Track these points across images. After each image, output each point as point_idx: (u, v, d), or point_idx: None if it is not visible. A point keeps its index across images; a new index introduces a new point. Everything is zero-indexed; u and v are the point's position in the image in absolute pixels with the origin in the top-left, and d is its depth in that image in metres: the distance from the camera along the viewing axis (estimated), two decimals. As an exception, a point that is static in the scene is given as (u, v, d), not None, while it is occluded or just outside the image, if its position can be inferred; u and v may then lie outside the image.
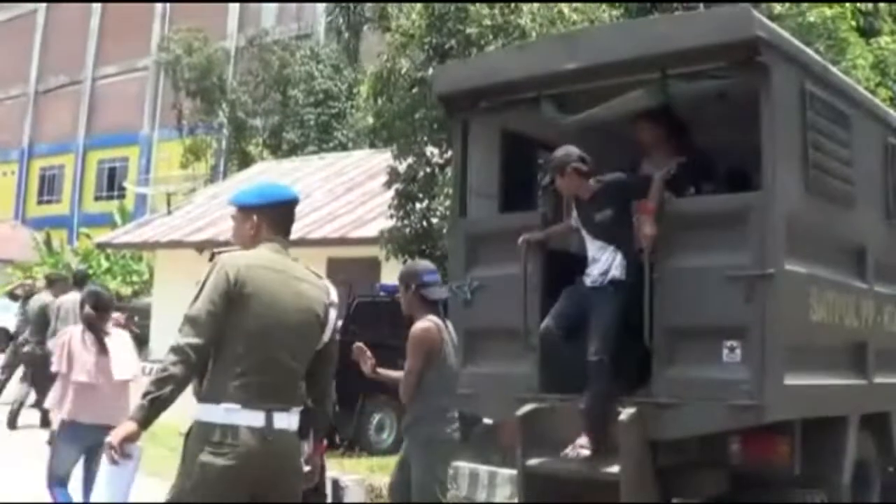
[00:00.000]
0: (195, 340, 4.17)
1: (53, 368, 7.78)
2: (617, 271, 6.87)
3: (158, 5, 50.12)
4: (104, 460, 4.26)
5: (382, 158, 17.70)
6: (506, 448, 8.00)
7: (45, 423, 12.31)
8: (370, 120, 14.53)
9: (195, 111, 36.79)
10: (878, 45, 16.12)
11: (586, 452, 6.64)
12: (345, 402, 11.52)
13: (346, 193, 23.47)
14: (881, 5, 17.32)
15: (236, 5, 46.82)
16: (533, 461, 6.96)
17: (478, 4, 12.61)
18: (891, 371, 7.93)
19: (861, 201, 7.58)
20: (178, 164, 38.14)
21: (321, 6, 39.19)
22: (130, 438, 4.12)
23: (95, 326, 7.76)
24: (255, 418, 4.21)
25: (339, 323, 13.63)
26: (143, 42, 48.25)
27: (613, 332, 6.76)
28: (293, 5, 43.99)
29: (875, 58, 15.57)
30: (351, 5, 32.05)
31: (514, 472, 7.49)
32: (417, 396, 6.69)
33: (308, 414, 4.56)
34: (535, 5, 12.60)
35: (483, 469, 9.71)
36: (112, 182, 50.51)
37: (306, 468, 5.05)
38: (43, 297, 14.54)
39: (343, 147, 31.91)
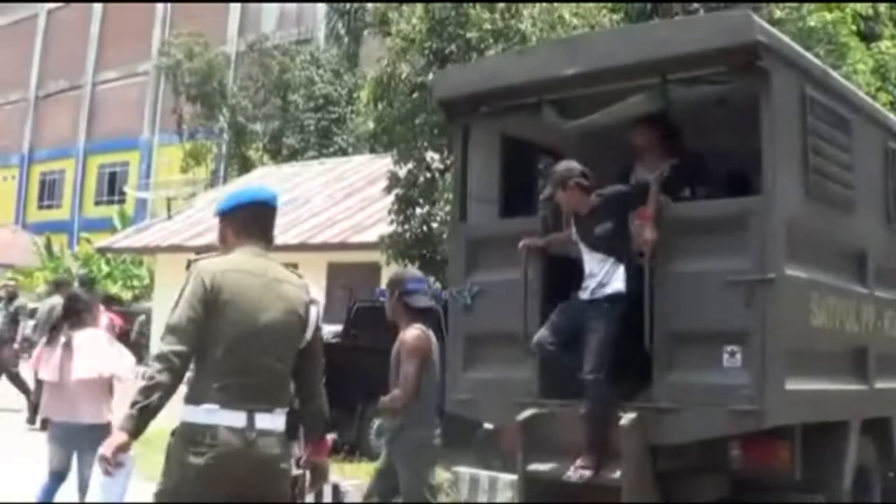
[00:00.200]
0: (178, 347, 4.24)
1: (29, 368, 8.02)
2: (618, 283, 6.86)
3: (159, 10, 50.15)
4: (97, 470, 4.32)
5: (383, 163, 17.68)
6: (506, 453, 7.98)
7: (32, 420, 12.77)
8: (370, 125, 14.52)
9: (195, 116, 36.80)
10: (878, 49, 16.12)
11: (588, 473, 6.65)
12: (345, 407, 11.50)
13: (347, 198, 23.46)
14: (881, 10, 17.32)
15: (237, 10, 46.86)
16: (533, 466, 6.96)
17: (478, 9, 12.60)
18: (892, 376, 7.92)
19: (861, 206, 7.58)
20: (179, 169, 38.13)
21: (321, 11, 39.21)
22: (122, 448, 4.18)
23: (60, 326, 8.03)
24: (236, 419, 4.24)
25: (340, 327, 13.58)
26: (143, 47, 48.28)
27: (610, 349, 6.76)
28: (293, 10, 44.02)
29: (875, 62, 15.57)
30: (351, 10, 32.07)
31: (514, 477, 7.47)
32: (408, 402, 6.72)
33: (296, 415, 4.55)
34: (536, 10, 12.59)
35: (484, 474, 9.68)
36: (112, 187, 50.53)
37: (297, 471, 5.07)
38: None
39: (343, 152, 31.91)
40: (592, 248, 7.03)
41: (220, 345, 4.30)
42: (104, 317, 9.52)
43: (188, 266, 4.61)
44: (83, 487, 7.52)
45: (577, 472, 6.67)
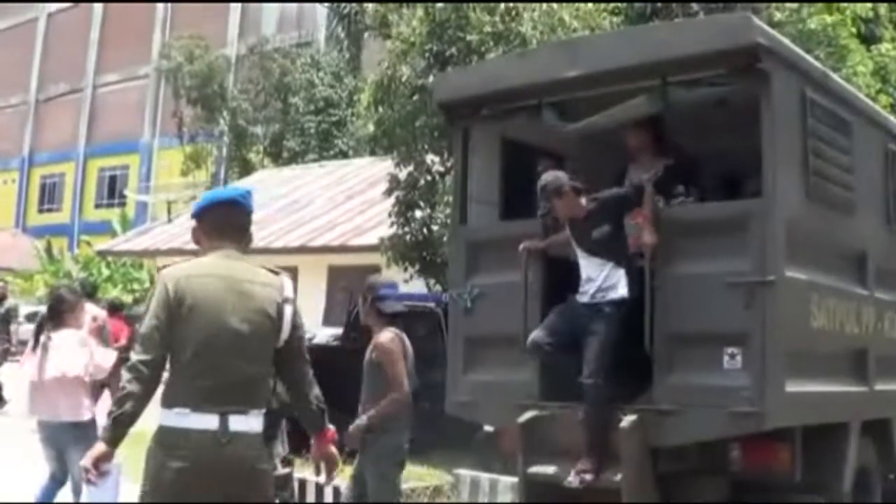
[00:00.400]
0: (145, 357, 4.30)
1: (20, 367, 8.25)
2: (622, 289, 6.87)
3: (159, 13, 50.18)
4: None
5: (383, 166, 17.68)
6: (507, 455, 7.99)
7: None
8: (371, 128, 14.50)
9: (196, 119, 36.78)
10: (878, 51, 16.13)
11: (589, 478, 6.65)
12: (346, 409, 11.48)
13: (347, 201, 23.45)
14: (881, 12, 17.33)
15: (237, 13, 46.88)
16: (534, 468, 6.96)
17: (478, 12, 12.60)
18: (892, 377, 7.93)
19: (862, 208, 7.58)
20: (179, 172, 38.14)
21: (322, 14, 39.23)
22: (102, 458, 4.28)
23: (40, 327, 8.18)
24: (208, 421, 4.25)
25: (340, 330, 13.54)
26: (143, 50, 48.30)
27: (609, 353, 6.77)
28: (293, 13, 44.03)
29: (875, 64, 15.58)
30: (351, 13, 32.08)
31: (515, 479, 7.48)
32: (374, 404, 6.73)
33: (275, 414, 4.52)
34: (536, 13, 12.59)
35: (484, 476, 9.69)
36: (112, 190, 50.54)
37: (284, 470, 5.09)
38: None
39: (344, 155, 31.90)
40: (590, 252, 7.02)
41: (188, 349, 4.32)
42: (89, 317, 9.67)
43: (157, 272, 4.65)
44: (76, 489, 7.67)
45: (577, 476, 6.67)
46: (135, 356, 4.32)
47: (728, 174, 8.09)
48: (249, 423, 4.35)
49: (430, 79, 11.93)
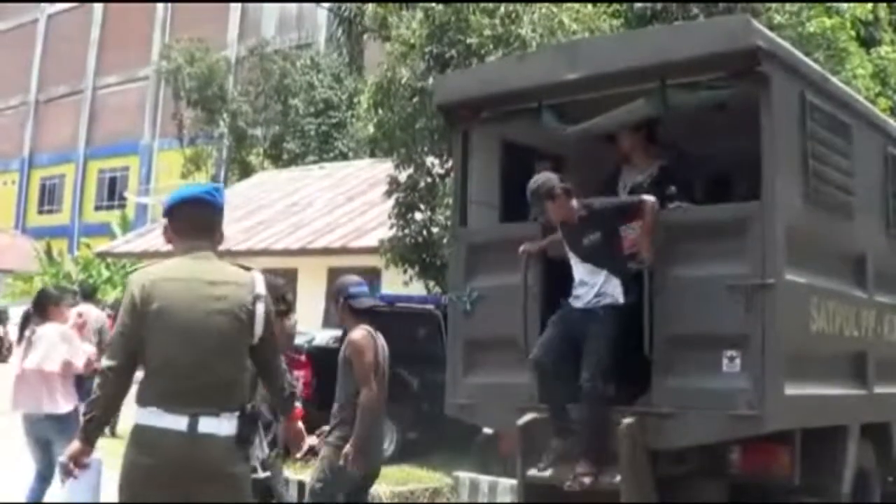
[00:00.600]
0: (110, 363, 4.39)
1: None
2: (617, 295, 6.84)
3: (159, 15, 50.19)
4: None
5: (383, 168, 17.69)
6: (506, 457, 7.99)
7: None
8: (370, 130, 14.48)
9: (196, 121, 36.75)
10: (878, 54, 16.15)
11: (588, 481, 6.65)
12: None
13: (347, 203, 23.46)
14: (881, 15, 17.34)
15: (237, 15, 46.89)
16: (533, 471, 6.96)
17: (478, 14, 12.61)
18: (891, 381, 7.93)
19: (861, 211, 7.59)
20: (179, 174, 38.06)
21: (322, 16, 39.24)
22: (78, 455, 4.41)
23: (25, 322, 8.52)
24: (177, 422, 4.27)
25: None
26: (143, 51, 48.28)
27: (607, 356, 6.75)
28: (293, 15, 44.04)
29: (875, 67, 15.60)
30: (351, 15, 32.07)
31: (514, 481, 7.48)
32: (347, 402, 6.73)
33: (250, 417, 4.48)
34: (536, 16, 12.60)
35: (483, 479, 9.71)
36: (112, 192, 50.51)
37: (265, 473, 5.09)
38: None
39: (344, 157, 31.89)
40: (583, 258, 7.01)
41: (157, 353, 4.35)
42: (73, 311, 9.86)
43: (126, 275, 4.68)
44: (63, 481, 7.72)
45: (576, 480, 6.67)
46: (104, 362, 4.44)
47: (727, 177, 8.10)
48: (220, 425, 4.33)
49: (430, 81, 11.94)
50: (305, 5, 40.11)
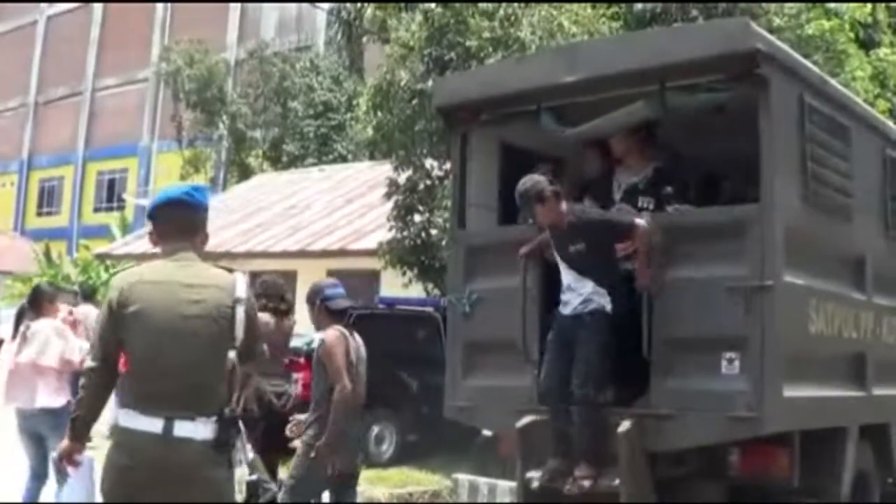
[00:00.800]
0: (91, 364, 4.49)
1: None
2: (604, 301, 6.81)
3: (158, 16, 50.17)
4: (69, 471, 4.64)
5: (382, 170, 17.69)
6: (505, 460, 7.99)
7: None
8: (370, 132, 14.50)
9: (195, 123, 36.75)
10: (876, 56, 16.16)
11: (587, 484, 6.64)
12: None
13: (346, 205, 23.46)
14: (880, 17, 17.35)
15: (236, 17, 46.87)
16: (532, 473, 6.96)
17: (477, 17, 12.62)
18: (890, 382, 7.94)
19: (860, 213, 7.59)
20: (178, 176, 38.04)
21: (321, 18, 39.23)
22: (66, 453, 4.53)
23: (20, 317, 8.61)
24: (152, 425, 4.27)
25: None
26: (142, 53, 48.25)
27: (598, 363, 6.73)
28: (293, 18, 44.04)
29: (874, 69, 15.61)
30: (350, 17, 32.07)
31: (513, 484, 7.48)
32: (321, 399, 6.74)
33: (228, 421, 4.42)
34: (535, 18, 12.61)
35: (483, 481, 9.70)
36: (111, 193, 50.44)
37: (252, 476, 5.08)
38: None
39: (343, 159, 31.90)
40: (568, 265, 7.00)
41: (135, 354, 4.37)
42: (64, 307, 10.00)
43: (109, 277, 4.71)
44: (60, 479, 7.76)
45: (575, 483, 6.67)
46: (86, 364, 4.54)
47: (725, 178, 8.10)
48: (197, 429, 4.30)
49: (429, 83, 11.95)
50: (305, 8, 40.10)
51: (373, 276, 18.02)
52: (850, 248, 7.61)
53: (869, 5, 16.03)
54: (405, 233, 14.28)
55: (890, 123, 9.04)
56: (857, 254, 7.69)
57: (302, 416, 7.01)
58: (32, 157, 55.98)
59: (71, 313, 10.84)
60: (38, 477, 8.17)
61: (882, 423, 8.01)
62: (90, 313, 13.10)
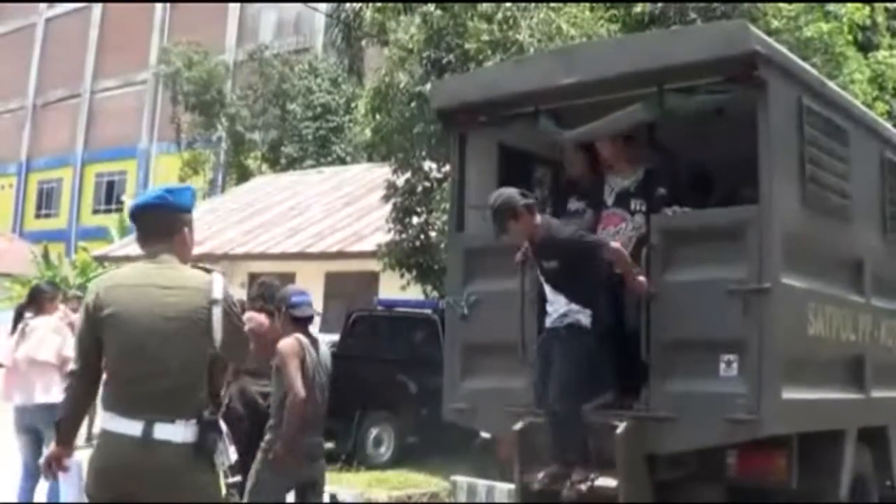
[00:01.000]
0: (73, 367, 4.60)
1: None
2: (580, 317, 6.79)
3: (157, 19, 50.18)
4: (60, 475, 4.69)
5: (381, 172, 17.72)
6: (503, 462, 7.99)
7: None
8: (368, 134, 14.49)
9: (194, 125, 36.80)
10: (875, 59, 16.14)
11: (584, 487, 6.64)
12: (342, 416, 11.50)
13: (345, 207, 23.48)
14: (879, 20, 17.34)
15: (235, 19, 46.90)
16: (531, 476, 6.96)
17: (476, 20, 12.61)
18: (888, 385, 7.94)
19: (858, 216, 7.59)
20: (177, 178, 38.04)
21: (320, 20, 39.25)
22: (57, 456, 4.57)
23: (19, 315, 8.78)
24: (132, 427, 4.26)
25: (337, 337, 13.49)
26: (141, 55, 48.28)
27: (574, 377, 6.72)
28: (291, 20, 44.05)
29: (872, 72, 15.59)
30: (349, 19, 32.09)
31: (511, 486, 7.48)
32: (279, 406, 6.73)
33: (208, 424, 4.39)
34: (534, 20, 12.60)
35: (481, 483, 9.68)
36: (110, 196, 50.46)
37: (235, 478, 5.08)
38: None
39: (341, 161, 31.95)
40: (545, 279, 7.00)
41: (113, 358, 4.39)
42: (61, 306, 10.13)
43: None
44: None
45: (572, 488, 6.66)
46: (70, 367, 4.68)
47: (725, 181, 8.09)
48: (176, 431, 4.28)
49: (428, 86, 11.93)
50: (304, 10, 40.12)
51: (371, 278, 18.04)
52: (848, 250, 7.61)
53: (867, 8, 16.00)
54: (404, 235, 14.29)
55: (888, 126, 9.04)
56: (856, 256, 7.70)
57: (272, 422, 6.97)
58: (31, 159, 56.00)
59: (67, 315, 10.89)
60: (33, 476, 8.19)
61: (880, 425, 8.01)
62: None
